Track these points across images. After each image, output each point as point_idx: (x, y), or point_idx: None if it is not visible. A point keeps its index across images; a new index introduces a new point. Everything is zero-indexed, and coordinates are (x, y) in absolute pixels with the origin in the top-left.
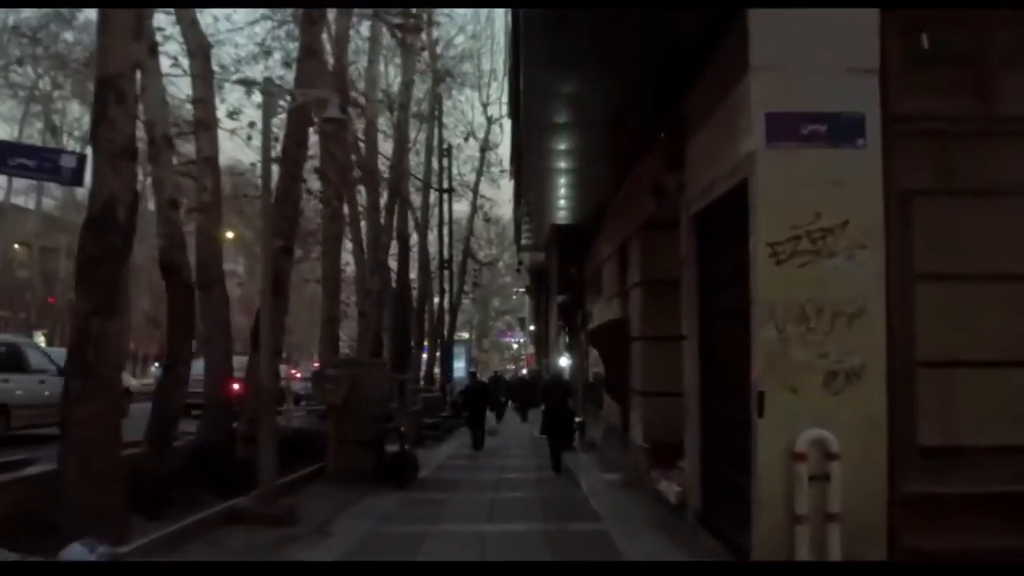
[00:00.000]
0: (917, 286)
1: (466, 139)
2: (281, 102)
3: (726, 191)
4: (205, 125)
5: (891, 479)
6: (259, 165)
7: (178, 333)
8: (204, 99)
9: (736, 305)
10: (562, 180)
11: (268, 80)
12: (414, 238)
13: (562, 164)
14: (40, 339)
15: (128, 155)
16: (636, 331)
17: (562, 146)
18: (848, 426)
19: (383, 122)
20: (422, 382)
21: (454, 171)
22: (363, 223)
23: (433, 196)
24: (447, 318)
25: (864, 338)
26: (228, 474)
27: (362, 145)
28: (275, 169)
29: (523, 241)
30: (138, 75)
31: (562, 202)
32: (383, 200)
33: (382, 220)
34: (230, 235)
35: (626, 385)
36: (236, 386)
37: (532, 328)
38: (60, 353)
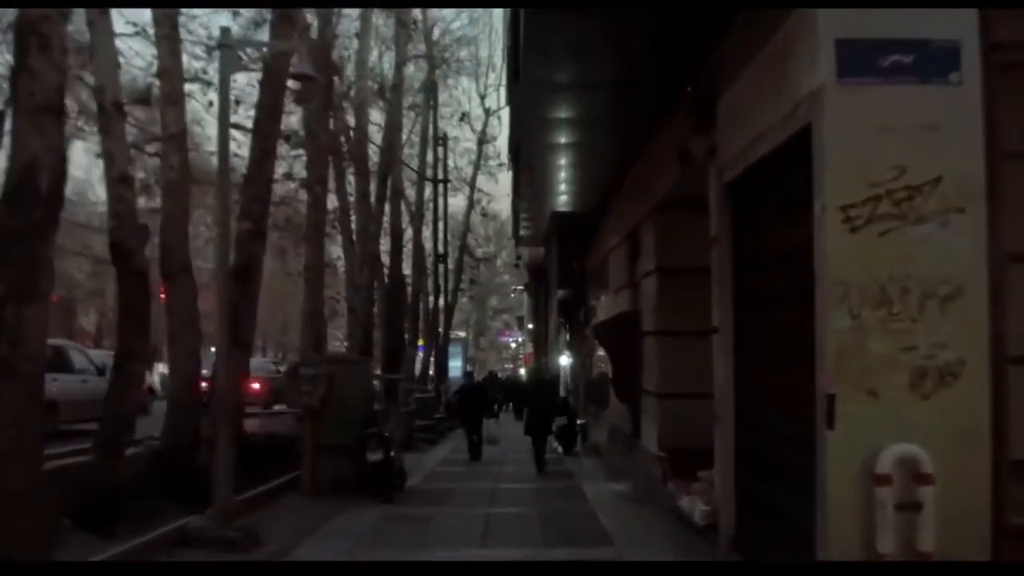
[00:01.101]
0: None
1: (461, 119)
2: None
3: (775, 147)
4: (171, 99)
5: (996, 507)
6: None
7: (130, 326)
8: (170, 70)
9: (788, 288)
10: (564, 160)
11: (225, 31)
12: (408, 233)
13: (564, 138)
14: None
15: (53, 111)
16: (649, 325)
17: (564, 114)
18: (942, 439)
19: (376, 115)
20: (417, 381)
21: (450, 164)
22: (353, 215)
23: (428, 191)
24: (442, 315)
25: (962, 326)
26: (191, 483)
27: (352, 133)
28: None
29: (522, 232)
30: (87, 35)
31: (563, 186)
32: (373, 189)
33: (372, 209)
34: None
35: (636, 385)
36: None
37: (531, 327)
38: (98, 355)
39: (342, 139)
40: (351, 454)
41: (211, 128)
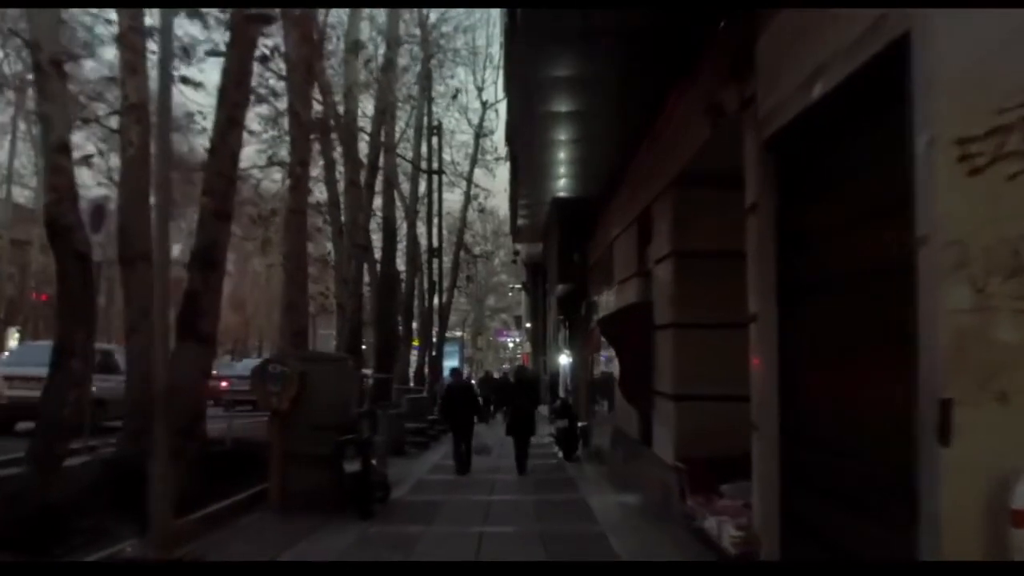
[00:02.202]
0: None
1: (453, 97)
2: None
3: (846, 77)
4: (132, 67)
5: None
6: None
7: (69, 317)
8: (130, 34)
9: (865, 260)
10: (565, 135)
11: None
12: (404, 229)
13: (566, 107)
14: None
15: None
16: (664, 317)
17: (566, 72)
18: None
19: (369, 108)
20: (411, 382)
21: (447, 158)
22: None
23: (423, 186)
24: (436, 314)
25: None
26: (146, 496)
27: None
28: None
29: (519, 222)
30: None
31: (564, 168)
32: (362, 178)
33: (362, 198)
34: None
35: (647, 386)
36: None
37: (529, 325)
38: None
39: (331, 123)
40: (326, 463)
41: (193, 106)
